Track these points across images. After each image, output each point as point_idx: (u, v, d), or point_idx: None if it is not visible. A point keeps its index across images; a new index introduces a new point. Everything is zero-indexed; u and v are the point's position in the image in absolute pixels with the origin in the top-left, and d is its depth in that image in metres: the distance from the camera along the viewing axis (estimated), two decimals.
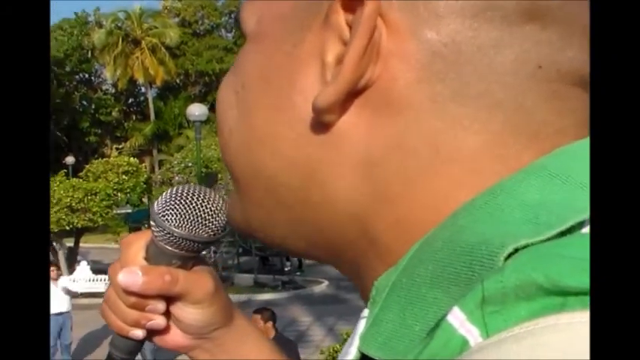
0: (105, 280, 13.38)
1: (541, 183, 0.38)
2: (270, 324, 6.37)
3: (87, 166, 19.42)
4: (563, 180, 0.37)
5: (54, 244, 15.61)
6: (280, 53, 0.44)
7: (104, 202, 16.93)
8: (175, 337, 0.77)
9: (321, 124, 0.41)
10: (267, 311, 6.59)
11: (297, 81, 0.42)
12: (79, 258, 16.38)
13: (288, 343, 6.24)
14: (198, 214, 0.68)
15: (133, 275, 0.70)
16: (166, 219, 0.68)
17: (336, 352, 6.38)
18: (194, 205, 0.68)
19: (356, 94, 0.40)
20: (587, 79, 0.41)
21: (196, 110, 14.69)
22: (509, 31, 0.39)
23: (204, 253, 0.78)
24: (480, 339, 0.32)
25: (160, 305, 0.72)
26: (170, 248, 0.70)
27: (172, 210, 0.68)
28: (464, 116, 0.39)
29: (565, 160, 0.38)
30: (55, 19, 41.11)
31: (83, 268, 14.32)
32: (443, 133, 0.40)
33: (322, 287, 16.58)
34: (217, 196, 0.70)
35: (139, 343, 0.75)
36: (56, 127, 39.36)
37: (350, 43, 0.38)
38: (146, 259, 0.72)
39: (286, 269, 18.85)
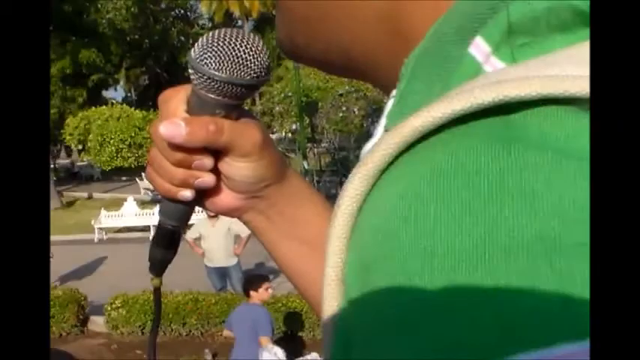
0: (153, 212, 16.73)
1: None
2: None
3: None
4: None
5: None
6: None
7: None
8: (226, 198, 0.71)
9: None
10: None
11: None
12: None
13: None
14: (238, 54, 0.64)
15: (175, 126, 0.64)
16: (205, 63, 0.64)
17: None
18: (233, 45, 0.64)
19: None
20: None
21: None
22: None
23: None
24: None
25: (207, 160, 0.67)
26: (212, 96, 0.66)
27: (210, 53, 0.64)
28: None
29: None
30: None
31: (130, 203, 17.23)
32: None
33: None
34: (257, 37, 0.66)
35: (189, 208, 0.72)
36: (156, 64, 40.10)
37: None
38: (187, 112, 0.67)
39: None
